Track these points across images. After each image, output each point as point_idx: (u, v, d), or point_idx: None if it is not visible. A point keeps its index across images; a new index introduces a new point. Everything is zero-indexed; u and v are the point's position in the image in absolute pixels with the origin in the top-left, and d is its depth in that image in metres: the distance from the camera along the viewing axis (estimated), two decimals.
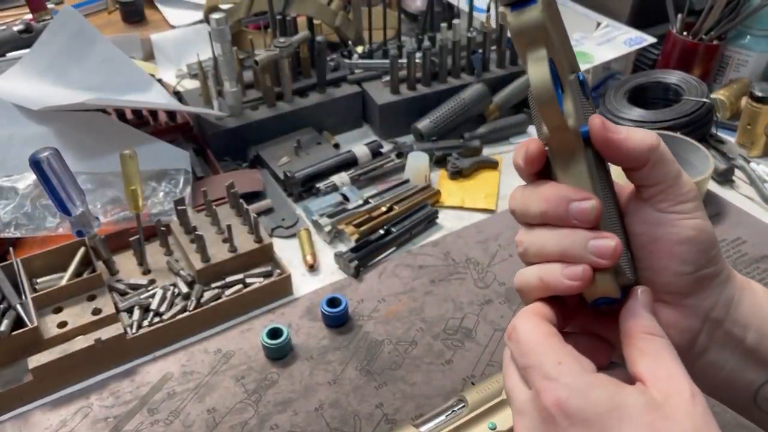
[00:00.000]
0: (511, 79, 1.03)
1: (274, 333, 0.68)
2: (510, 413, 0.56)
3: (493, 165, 0.94)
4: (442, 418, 0.57)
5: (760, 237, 0.81)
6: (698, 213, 0.38)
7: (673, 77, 0.96)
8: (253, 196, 0.86)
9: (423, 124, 0.96)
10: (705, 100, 0.91)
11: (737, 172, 0.91)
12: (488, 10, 1.03)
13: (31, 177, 0.78)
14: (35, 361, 0.62)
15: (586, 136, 0.37)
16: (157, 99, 0.93)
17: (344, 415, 0.62)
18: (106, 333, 0.65)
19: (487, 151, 0.97)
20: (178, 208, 0.75)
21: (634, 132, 0.38)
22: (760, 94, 0.91)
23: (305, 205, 0.86)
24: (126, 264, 0.76)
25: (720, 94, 1.00)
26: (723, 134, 0.98)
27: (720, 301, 0.40)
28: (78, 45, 0.93)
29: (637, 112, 0.94)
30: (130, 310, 0.69)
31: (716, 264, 0.39)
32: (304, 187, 0.88)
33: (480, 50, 1.02)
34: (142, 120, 0.96)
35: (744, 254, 0.78)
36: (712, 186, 0.89)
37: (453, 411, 0.57)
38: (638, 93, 0.97)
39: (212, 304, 0.70)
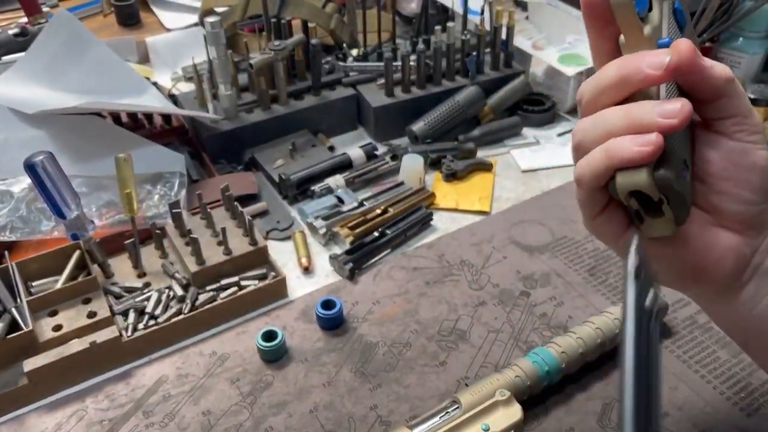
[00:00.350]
0: (505, 81, 1.03)
1: (269, 335, 0.68)
2: (501, 415, 0.57)
3: (487, 167, 0.94)
4: (436, 419, 0.57)
5: None
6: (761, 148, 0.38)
7: None
8: (248, 199, 0.86)
9: (417, 126, 0.97)
10: None
11: None
12: (482, 12, 1.04)
13: (26, 180, 0.78)
14: (30, 364, 0.62)
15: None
16: (153, 102, 0.93)
17: (339, 417, 0.62)
18: (102, 336, 0.65)
19: (482, 154, 0.97)
20: (173, 210, 0.76)
21: (716, 63, 0.37)
22: (752, 96, 0.92)
23: (300, 207, 0.86)
24: (121, 267, 0.76)
25: None
26: None
27: None
28: (73, 48, 0.93)
29: None
30: (125, 313, 0.69)
31: None
32: (299, 190, 0.88)
33: (474, 53, 1.02)
34: (138, 123, 0.96)
35: None
36: None
37: (447, 412, 0.57)
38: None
39: (207, 306, 0.70)
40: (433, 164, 0.94)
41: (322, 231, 0.81)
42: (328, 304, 0.71)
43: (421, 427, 0.56)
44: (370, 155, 0.93)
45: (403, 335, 0.70)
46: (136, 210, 0.73)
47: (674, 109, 0.36)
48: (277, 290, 0.74)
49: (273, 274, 0.75)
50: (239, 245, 0.76)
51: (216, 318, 0.71)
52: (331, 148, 0.98)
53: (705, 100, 0.38)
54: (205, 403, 0.64)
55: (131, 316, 0.69)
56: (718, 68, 0.37)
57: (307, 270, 0.78)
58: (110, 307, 0.70)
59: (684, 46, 0.36)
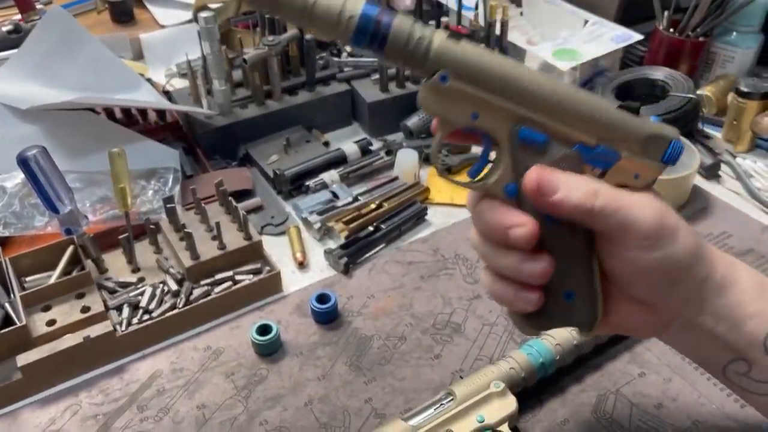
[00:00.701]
0: None
1: (264, 329, 0.68)
2: (496, 407, 0.57)
3: None
4: (431, 411, 0.57)
5: (745, 231, 0.81)
6: (660, 242, 0.40)
7: (660, 73, 0.97)
8: (242, 194, 0.86)
9: (412, 121, 0.97)
10: (691, 95, 0.92)
11: (723, 167, 0.92)
12: (476, 8, 1.04)
13: (20, 176, 0.78)
14: (24, 359, 0.62)
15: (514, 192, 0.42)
16: (147, 98, 0.93)
17: (333, 410, 0.62)
18: (95, 331, 0.65)
19: (476, 149, 0.97)
20: (168, 205, 0.75)
21: (575, 188, 0.39)
22: (745, 90, 0.92)
23: (295, 202, 0.86)
24: (115, 262, 0.76)
25: (706, 90, 1.01)
26: (709, 130, 0.99)
27: (693, 300, 0.43)
28: (67, 45, 0.93)
29: None
30: (119, 308, 0.69)
31: (689, 279, 0.42)
32: (294, 185, 0.88)
33: None
34: (132, 119, 0.96)
35: (730, 248, 0.79)
36: (699, 181, 0.90)
37: (441, 404, 0.57)
38: (626, 89, 0.98)
39: (202, 301, 0.70)
40: (427, 159, 0.94)
41: (317, 226, 0.81)
42: (322, 298, 0.71)
43: (415, 419, 0.56)
44: (365, 150, 0.93)
45: (398, 329, 0.70)
46: (130, 205, 0.73)
47: (536, 270, 0.42)
48: (271, 285, 0.74)
49: (267, 268, 0.75)
50: (234, 240, 0.75)
51: (210, 313, 0.71)
52: (326, 144, 0.98)
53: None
54: (200, 397, 0.63)
55: (125, 310, 0.69)
56: (575, 197, 0.39)
57: (301, 265, 0.78)
58: (104, 302, 0.69)
59: (528, 183, 0.40)
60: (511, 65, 0.39)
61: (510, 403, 0.57)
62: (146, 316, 0.69)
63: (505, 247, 0.42)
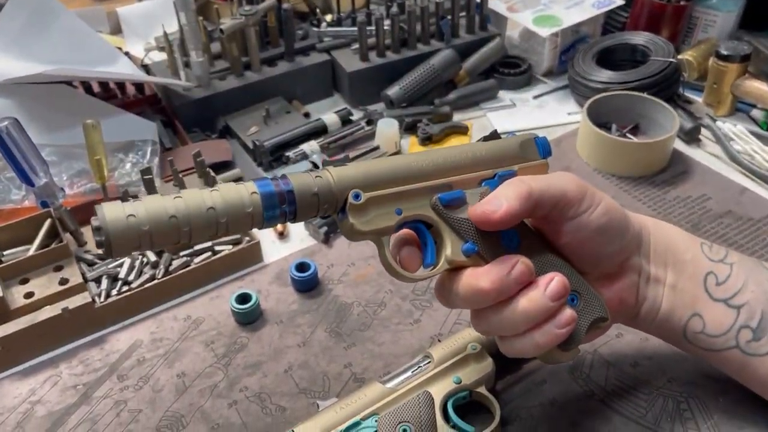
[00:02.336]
0: (480, 44, 1.03)
1: (243, 298, 0.68)
2: (472, 369, 0.57)
3: (463, 130, 0.94)
4: (408, 374, 0.57)
5: (724, 193, 0.82)
6: (595, 200, 0.46)
7: (641, 38, 0.97)
8: (222, 166, 0.86)
9: (393, 91, 0.96)
10: (671, 60, 0.91)
11: (704, 131, 0.92)
12: None
13: None
14: (2, 331, 0.62)
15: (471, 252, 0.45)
16: (124, 71, 0.92)
17: (313, 375, 0.62)
18: (74, 302, 0.65)
19: (458, 117, 0.97)
20: (145, 177, 0.75)
21: (509, 194, 0.43)
22: (725, 53, 0.91)
23: (275, 173, 0.85)
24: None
25: (687, 55, 1.00)
26: (690, 94, 0.98)
27: (642, 251, 0.50)
28: (42, 19, 0.91)
29: (605, 74, 0.94)
30: (98, 280, 0.69)
31: (628, 230, 0.48)
32: (274, 156, 0.88)
33: (449, 16, 1.01)
34: (110, 93, 0.95)
35: (708, 210, 0.79)
36: (680, 145, 0.90)
37: (419, 367, 0.58)
38: (606, 55, 0.98)
39: (181, 271, 0.70)
40: (408, 128, 0.94)
41: None
42: (302, 267, 0.71)
43: (393, 381, 0.57)
44: (346, 120, 0.93)
45: (378, 295, 0.70)
46: (106, 177, 0.72)
47: (565, 318, 0.45)
48: (251, 255, 0.74)
49: (247, 239, 0.75)
50: None
51: (190, 283, 0.71)
52: (306, 115, 0.97)
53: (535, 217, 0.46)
54: (180, 365, 0.64)
55: (104, 282, 0.69)
56: (504, 202, 0.43)
57: (282, 235, 0.78)
58: (83, 274, 0.69)
59: (473, 226, 0.45)
60: (397, 158, 0.45)
61: (487, 365, 0.58)
62: (125, 288, 0.69)
63: (510, 299, 0.44)
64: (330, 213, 0.44)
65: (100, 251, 0.73)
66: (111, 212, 0.37)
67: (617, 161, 0.85)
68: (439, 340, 0.64)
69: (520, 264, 0.43)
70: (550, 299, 0.43)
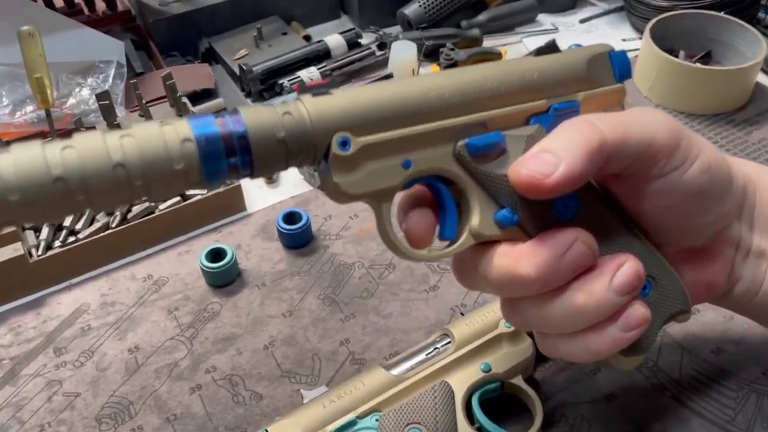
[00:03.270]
0: None
1: (216, 254, 0.54)
2: (506, 353, 0.44)
3: (495, 58, 0.78)
4: (421, 356, 0.44)
5: None
6: (692, 152, 0.32)
7: None
8: (203, 96, 0.72)
9: (411, 9, 0.81)
10: None
11: None
12: None
13: None
14: None
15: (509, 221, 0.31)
16: None
17: (300, 355, 0.49)
18: (3, 254, 0.52)
19: (488, 43, 0.82)
20: (101, 102, 0.61)
21: (569, 140, 0.29)
22: None
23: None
24: None
25: None
26: None
27: (743, 215, 0.37)
28: None
29: None
30: (37, 228, 0.56)
31: (730, 191, 0.34)
32: (265, 84, 0.73)
33: None
34: (75, 9, 0.81)
35: None
36: (763, 79, 0.73)
37: (435, 348, 0.44)
38: None
39: (141, 220, 0.57)
40: (429, 54, 0.79)
41: None
42: (292, 218, 0.57)
43: (400, 367, 0.43)
44: (353, 44, 0.78)
45: (386, 254, 0.56)
46: (51, 101, 0.58)
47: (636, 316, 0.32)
48: (231, 202, 0.60)
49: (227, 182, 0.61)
50: None
51: (153, 235, 0.57)
52: (307, 38, 0.82)
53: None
54: (133, 337, 0.51)
55: (44, 231, 0.55)
56: (576, 154, 0.29)
57: (270, 178, 0.64)
58: None
59: (520, 184, 0.30)
60: (406, 83, 0.31)
61: (524, 349, 0.44)
62: (71, 238, 0.55)
63: (560, 289, 0.31)
64: (305, 164, 0.29)
65: None
66: None
67: (688, 95, 0.69)
68: (462, 314, 0.51)
69: (579, 243, 0.30)
70: (618, 293, 0.31)
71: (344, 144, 0.29)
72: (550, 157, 0.29)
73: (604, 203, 0.34)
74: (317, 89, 0.29)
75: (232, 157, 0.27)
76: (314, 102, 0.29)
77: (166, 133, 0.26)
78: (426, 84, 0.31)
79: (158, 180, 0.26)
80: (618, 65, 0.35)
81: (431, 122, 0.30)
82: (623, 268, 0.31)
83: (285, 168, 0.29)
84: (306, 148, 0.28)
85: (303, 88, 0.30)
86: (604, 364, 0.35)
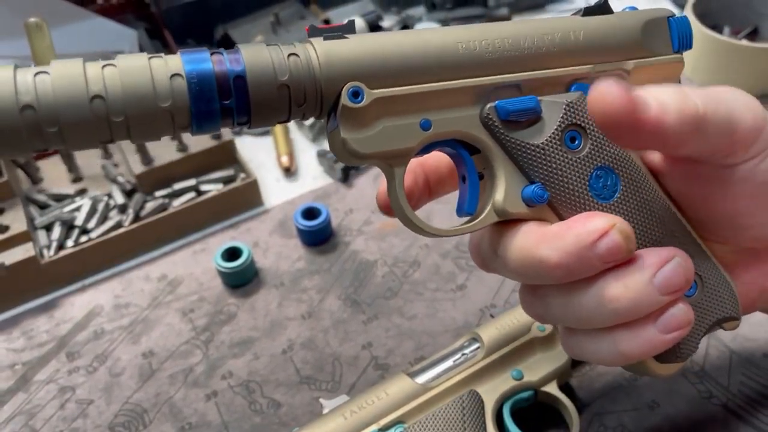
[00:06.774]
0: None
1: (232, 253, 0.52)
2: (539, 359, 0.41)
3: None
4: (448, 363, 0.41)
5: None
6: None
7: None
8: None
9: None
10: None
11: None
12: None
13: None
14: None
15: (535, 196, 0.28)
16: None
17: (320, 360, 0.46)
18: (13, 256, 0.50)
19: None
20: None
21: (665, 94, 0.25)
22: None
23: None
24: (53, 171, 0.60)
25: None
26: None
27: None
28: None
29: None
30: (49, 227, 0.54)
31: None
32: None
33: None
34: None
35: None
36: None
37: (463, 354, 0.41)
38: None
39: (155, 217, 0.54)
40: None
41: (309, 121, 0.64)
42: (311, 213, 0.55)
43: (426, 374, 0.40)
44: (374, 26, 0.74)
45: (410, 251, 0.53)
46: None
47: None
48: (247, 197, 0.58)
49: (243, 176, 0.59)
50: (198, 140, 0.59)
51: (167, 233, 0.55)
52: (326, 22, 0.78)
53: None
54: (147, 341, 0.49)
55: (56, 230, 0.53)
56: (675, 107, 0.25)
57: (288, 171, 0.61)
58: (31, 220, 0.54)
59: (607, 108, 0.24)
60: (432, 32, 0.27)
61: (559, 354, 0.41)
62: (84, 238, 0.54)
63: (588, 280, 0.27)
64: (311, 116, 0.26)
65: (60, 190, 0.58)
66: None
67: (733, 75, 0.64)
68: (492, 315, 0.48)
69: (614, 233, 0.26)
70: (661, 291, 0.27)
71: (356, 95, 0.26)
72: (644, 94, 0.25)
73: (649, 188, 0.30)
74: (330, 31, 0.26)
75: (226, 100, 0.24)
76: (325, 45, 0.26)
77: (154, 65, 0.23)
78: (455, 35, 0.28)
79: (141, 118, 0.23)
80: (678, 33, 0.32)
81: (458, 79, 0.27)
82: (670, 263, 0.27)
83: (287, 119, 0.26)
84: (312, 97, 0.26)
85: (314, 31, 0.26)
86: (634, 369, 0.31)
